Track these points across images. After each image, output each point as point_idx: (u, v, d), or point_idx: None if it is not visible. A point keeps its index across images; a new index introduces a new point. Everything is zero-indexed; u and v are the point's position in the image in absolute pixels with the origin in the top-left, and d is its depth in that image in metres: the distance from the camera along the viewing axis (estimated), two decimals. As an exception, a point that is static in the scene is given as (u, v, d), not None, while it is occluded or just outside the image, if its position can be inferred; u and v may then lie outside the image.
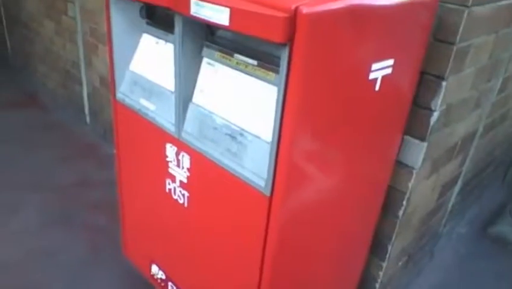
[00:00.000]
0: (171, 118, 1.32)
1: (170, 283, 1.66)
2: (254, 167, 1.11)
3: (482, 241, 2.60)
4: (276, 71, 1.03)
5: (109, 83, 2.90)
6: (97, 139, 3.31)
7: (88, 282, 2.03)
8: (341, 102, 1.06)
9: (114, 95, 1.54)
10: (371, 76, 1.08)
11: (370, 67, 1.06)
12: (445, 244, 2.45)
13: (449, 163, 1.84)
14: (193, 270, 1.51)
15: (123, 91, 1.50)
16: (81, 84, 3.32)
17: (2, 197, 2.56)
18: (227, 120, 1.17)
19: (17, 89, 4.05)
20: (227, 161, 1.17)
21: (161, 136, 1.37)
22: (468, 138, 1.93)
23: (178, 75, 1.23)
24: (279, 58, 0.95)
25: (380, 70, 1.10)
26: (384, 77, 1.13)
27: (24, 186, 2.68)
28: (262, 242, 1.15)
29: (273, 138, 1.01)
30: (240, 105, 1.14)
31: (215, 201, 1.28)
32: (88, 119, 3.44)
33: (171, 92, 1.31)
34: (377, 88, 1.13)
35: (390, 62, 1.13)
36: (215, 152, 1.20)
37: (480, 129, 2.03)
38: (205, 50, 1.22)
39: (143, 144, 1.51)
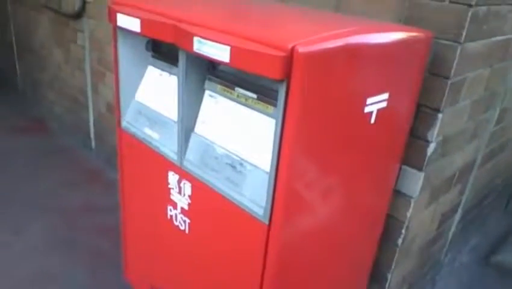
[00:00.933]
0: (174, 147, 1.36)
1: (170, 310, 1.67)
2: (253, 195, 1.14)
3: (485, 270, 2.58)
4: (275, 105, 1.07)
5: (114, 111, 2.98)
6: (102, 165, 3.36)
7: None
8: (338, 133, 1.10)
9: (119, 123, 1.59)
10: (367, 109, 1.12)
11: (365, 100, 1.11)
12: (447, 273, 2.43)
13: (448, 192, 1.86)
14: (193, 297, 1.52)
15: (128, 120, 1.56)
16: (87, 110, 3.40)
17: (7, 218, 2.59)
18: (227, 150, 1.21)
19: (26, 114, 4.14)
20: (227, 190, 1.20)
21: (164, 164, 1.41)
22: (467, 168, 1.96)
23: (181, 106, 1.28)
24: (277, 92, 1.00)
25: (375, 103, 1.14)
26: (379, 110, 1.17)
27: (29, 208, 2.72)
28: (261, 269, 1.17)
29: (271, 168, 1.04)
30: (239, 136, 1.18)
31: (216, 228, 1.31)
32: (93, 144, 3.49)
33: (175, 122, 1.36)
34: (372, 120, 1.17)
35: (385, 96, 1.17)
36: (216, 181, 1.24)
37: (479, 159, 2.05)
38: (207, 83, 1.27)
39: (146, 171, 1.55)
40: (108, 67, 2.97)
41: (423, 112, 1.44)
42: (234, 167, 1.19)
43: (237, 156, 1.18)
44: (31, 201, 2.81)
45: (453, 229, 2.23)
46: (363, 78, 1.08)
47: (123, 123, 1.57)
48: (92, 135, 3.46)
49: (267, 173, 1.08)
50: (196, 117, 1.30)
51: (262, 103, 1.12)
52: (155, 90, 1.48)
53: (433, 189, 1.68)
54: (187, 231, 1.42)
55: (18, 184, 2.98)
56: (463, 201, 2.15)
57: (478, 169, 2.11)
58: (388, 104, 1.19)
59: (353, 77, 1.05)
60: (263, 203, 1.10)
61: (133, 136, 1.53)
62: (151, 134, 1.45)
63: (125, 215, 1.78)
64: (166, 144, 1.40)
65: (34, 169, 3.21)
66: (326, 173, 1.15)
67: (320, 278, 1.41)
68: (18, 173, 3.12)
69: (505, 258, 2.65)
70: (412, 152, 1.50)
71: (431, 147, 1.48)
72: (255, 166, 1.13)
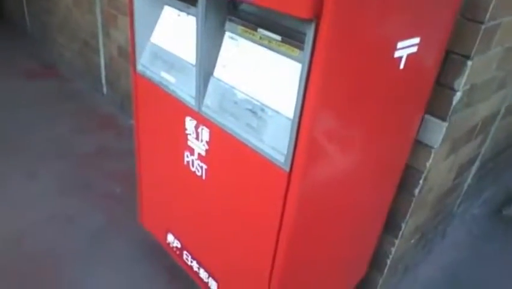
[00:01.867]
0: (192, 91, 1.33)
1: (185, 252, 1.70)
2: (274, 142, 1.11)
3: (496, 223, 2.60)
4: (301, 48, 1.02)
5: (129, 54, 2.91)
6: (114, 110, 3.35)
7: (107, 247, 2.09)
8: (365, 79, 1.05)
9: (135, 67, 1.54)
10: (396, 54, 1.07)
11: (396, 45, 1.05)
12: (458, 224, 2.45)
13: (468, 144, 1.82)
14: (208, 241, 1.54)
15: (144, 63, 1.51)
16: (98, 55, 3.33)
17: (22, 163, 2.62)
18: (248, 95, 1.17)
19: (35, 59, 4.09)
20: (246, 136, 1.18)
21: (181, 109, 1.38)
22: (490, 119, 1.90)
23: (200, 49, 1.23)
24: (303, 34, 0.94)
25: (405, 48, 1.08)
26: (409, 56, 1.11)
27: (43, 153, 2.74)
28: (280, 217, 1.16)
29: (294, 114, 1.01)
30: (261, 81, 1.14)
31: (233, 175, 1.30)
32: (105, 89, 3.46)
33: (193, 65, 1.31)
34: (401, 66, 1.11)
35: (416, 40, 1.11)
36: (235, 126, 1.21)
37: (503, 110, 1.99)
38: (228, 24, 1.21)
39: (162, 116, 1.52)
40: (119, 10, 2.87)
41: (452, 59, 1.37)
42: (254, 113, 1.15)
43: (258, 101, 1.14)
44: (45, 146, 2.82)
45: (468, 181, 2.21)
46: (395, 20, 1.01)
47: (139, 67, 1.53)
48: (103, 80, 3.42)
49: (289, 119, 1.05)
50: (216, 60, 1.25)
51: (286, 45, 1.06)
52: (172, 32, 1.42)
53: (454, 140, 1.64)
54: (203, 177, 1.42)
55: (30, 129, 2.99)
56: (481, 153, 2.11)
57: (500, 121, 2.06)
58: (418, 49, 1.13)
59: (385, 19, 0.98)
60: (284, 150, 1.08)
61: (149, 80, 1.49)
62: (168, 78, 1.41)
63: (140, 161, 1.77)
64: (183, 89, 1.36)
65: (45, 114, 3.20)
66: (350, 120, 1.11)
67: (338, 226, 1.41)
68: (30, 119, 3.12)
69: (517, 211, 2.66)
70: (436, 101, 1.45)
71: (457, 96, 1.42)
72: (277, 112, 1.09)
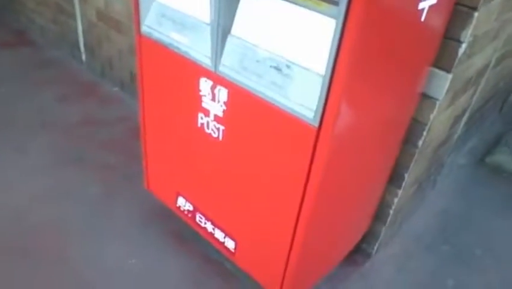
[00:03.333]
0: (207, 51, 1.30)
1: (198, 214, 1.72)
2: (301, 99, 1.12)
3: (480, 170, 2.74)
4: (328, 1, 1.01)
5: (109, 18, 2.79)
6: (95, 78, 3.24)
7: (109, 216, 2.08)
8: (394, 33, 1.06)
9: (139, 29, 1.49)
10: (420, 5, 1.08)
11: (421, -4, 1.06)
12: (447, 173, 2.57)
13: (464, 95, 1.89)
14: (224, 202, 1.56)
15: (149, 24, 1.46)
16: (74, 19, 3.18)
17: (9, 138, 2.52)
18: (272, 52, 1.16)
19: (3, 27, 3.85)
20: (271, 94, 1.18)
21: (195, 70, 1.36)
22: (483, 70, 1.97)
23: (216, 5, 1.20)
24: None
25: (428, -1, 1.10)
26: (430, 7, 1.12)
27: (29, 126, 2.64)
28: (306, 173, 1.19)
29: (326, 71, 1.02)
30: (286, 37, 1.13)
31: (254, 134, 1.31)
32: (84, 57, 3.33)
33: (207, 24, 1.28)
34: (423, 18, 1.13)
35: (437, -9, 1.12)
36: (257, 85, 1.20)
37: (493, 62, 2.06)
38: (247, -21, 1.18)
39: (172, 79, 1.49)
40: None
41: (459, 11, 1.40)
42: (279, 70, 1.15)
43: (283, 58, 1.14)
44: (29, 118, 2.72)
45: (458, 132, 2.30)
46: (422, -30, 1.02)
47: (143, 28, 1.48)
48: (82, 47, 3.28)
49: (319, 75, 1.05)
50: (233, 17, 1.23)
51: None
52: (182, -10, 1.37)
53: (454, 91, 1.69)
54: (220, 138, 1.42)
55: (11, 102, 2.86)
56: (472, 104, 2.19)
57: (489, 72, 2.13)
58: (437, 0, 1.15)
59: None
60: (313, 106, 1.09)
61: (156, 42, 1.45)
62: (179, 39, 1.37)
63: (145, 126, 1.75)
64: (197, 49, 1.33)
65: (24, 85, 3.06)
66: (375, 76, 1.13)
67: (353, 182, 1.45)
68: (9, 91, 2.98)
69: (498, 158, 2.80)
70: (442, 53, 1.48)
71: (462, 48, 1.46)
72: (306, 68, 1.09)
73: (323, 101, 1.06)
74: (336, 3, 0.95)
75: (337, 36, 0.96)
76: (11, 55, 3.44)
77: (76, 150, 2.49)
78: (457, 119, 2.06)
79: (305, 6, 1.07)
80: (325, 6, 1.02)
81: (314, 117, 1.10)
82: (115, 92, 3.10)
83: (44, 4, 3.44)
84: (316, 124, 1.10)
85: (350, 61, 0.98)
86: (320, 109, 1.08)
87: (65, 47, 3.43)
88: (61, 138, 2.57)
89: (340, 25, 0.94)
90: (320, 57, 1.03)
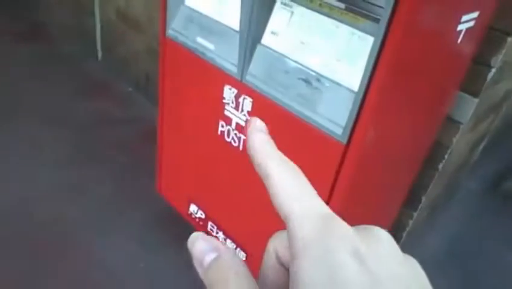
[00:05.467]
0: (234, 59, 1.28)
1: (210, 223, 1.69)
2: (330, 114, 1.09)
3: (493, 196, 2.69)
4: (367, 17, 0.99)
5: (129, 18, 2.78)
6: (111, 77, 3.22)
7: (116, 215, 2.05)
8: (430, 54, 1.04)
9: (164, 31, 1.47)
10: (459, 27, 1.05)
11: (460, 18, 1.03)
12: (460, 198, 2.52)
13: (486, 120, 1.86)
14: (238, 213, 1.53)
15: (175, 28, 1.44)
16: (93, 17, 3.17)
17: (24, 133, 2.50)
18: (302, 64, 1.14)
19: (23, 20, 3.85)
20: (298, 106, 1.15)
21: (219, 78, 1.34)
22: (506, 96, 1.94)
23: (248, 14, 1.18)
24: (369, 2, 0.91)
25: (467, 22, 1.07)
26: (467, 30, 1.10)
27: (44, 122, 2.62)
28: (329, 189, 1.16)
29: (360, 88, 0.99)
30: (319, 50, 1.10)
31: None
32: (100, 55, 3.32)
33: (236, 31, 1.26)
34: (459, 40, 1.10)
35: (475, 14, 1.10)
36: (284, 97, 1.18)
37: (516, 88, 2.03)
38: (282, -11, 1.16)
39: (194, 84, 1.47)
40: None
41: (493, 35, 1.37)
42: (308, 83, 1.12)
43: (313, 71, 1.11)
44: (44, 115, 2.69)
45: (475, 156, 2.27)
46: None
47: (169, 31, 1.46)
48: (99, 45, 3.28)
49: (352, 91, 1.03)
50: (264, 26, 1.21)
51: (350, 14, 1.03)
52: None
53: (477, 116, 1.66)
54: (240, 148, 1.39)
55: (27, 97, 2.84)
56: (491, 129, 2.16)
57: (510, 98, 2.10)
58: (475, 24, 1.12)
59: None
60: (342, 122, 1.06)
61: (181, 46, 1.43)
62: (205, 44, 1.36)
63: (163, 130, 1.72)
64: (224, 56, 1.31)
65: (40, 81, 3.04)
66: (407, 95, 1.10)
67: (372, 199, 1.42)
68: (25, 86, 2.95)
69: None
70: (470, 77, 1.45)
71: (491, 73, 1.43)
72: (337, 83, 1.07)
73: (353, 118, 1.03)
74: (377, 21, 0.93)
75: (374, 53, 0.94)
76: (27, 48, 3.43)
77: (88, 147, 2.47)
78: (476, 144, 2.03)
79: (341, 21, 1.05)
80: (364, 22, 1.00)
81: (343, 133, 1.07)
82: (129, 92, 3.09)
83: None
84: (344, 141, 1.07)
85: (386, 79, 0.95)
86: (350, 126, 1.05)
87: (82, 44, 3.43)
88: (73, 135, 2.55)
89: (379, 43, 0.92)
90: (354, 73, 1.01)
